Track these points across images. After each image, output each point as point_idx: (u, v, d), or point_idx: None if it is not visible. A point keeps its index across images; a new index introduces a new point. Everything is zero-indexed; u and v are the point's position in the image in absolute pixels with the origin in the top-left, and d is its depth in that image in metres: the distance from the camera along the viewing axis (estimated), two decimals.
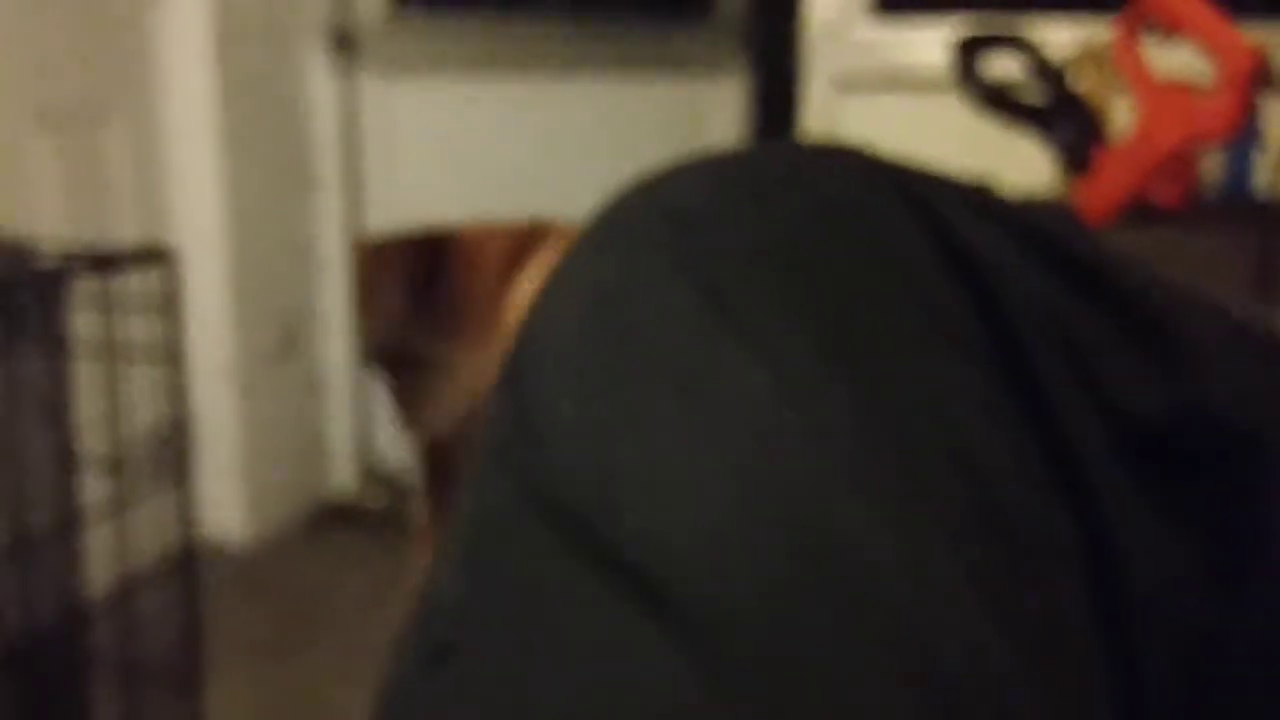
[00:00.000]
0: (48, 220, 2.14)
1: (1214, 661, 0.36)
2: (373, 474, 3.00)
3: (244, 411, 2.62)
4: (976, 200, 0.45)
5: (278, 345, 2.72)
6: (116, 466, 0.99)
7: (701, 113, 3.08)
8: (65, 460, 0.98)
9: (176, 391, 0.99)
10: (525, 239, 0.79)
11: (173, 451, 1.01)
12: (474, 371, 0.77)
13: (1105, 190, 1.78)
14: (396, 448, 3.03)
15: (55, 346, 0.96)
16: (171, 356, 0.99)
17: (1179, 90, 1.74)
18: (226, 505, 2.64)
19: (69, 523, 0.97)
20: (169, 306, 0.97)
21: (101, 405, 0.99)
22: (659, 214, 0.41)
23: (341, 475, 2.99)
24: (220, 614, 2.37)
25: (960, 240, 0.41)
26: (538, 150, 3.01)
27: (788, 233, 0.40)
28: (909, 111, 2.51)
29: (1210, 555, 0.37)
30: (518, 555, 0.34)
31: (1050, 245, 0.43)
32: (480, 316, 0.77)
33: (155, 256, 0.97)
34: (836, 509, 0.32)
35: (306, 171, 2.85)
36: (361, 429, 3.00)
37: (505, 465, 0.38)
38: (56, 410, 0.97)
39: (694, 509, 0.32)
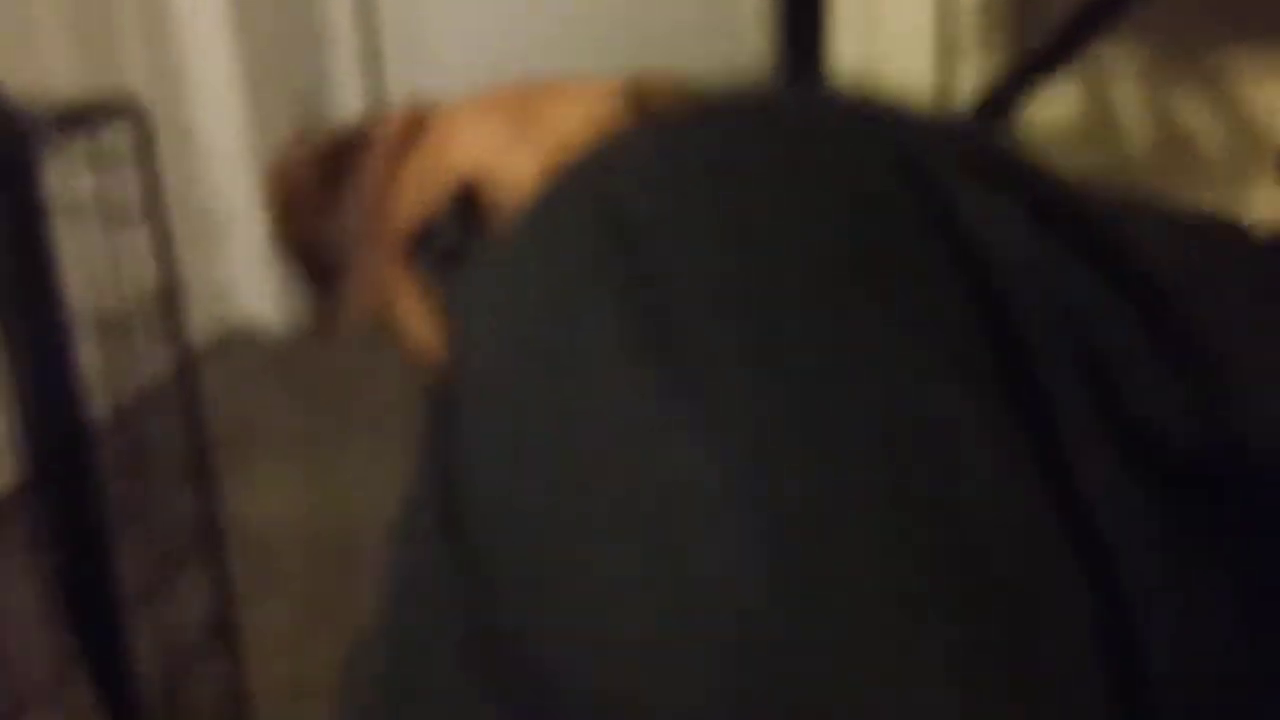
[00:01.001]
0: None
1: (1247, 707, 0.32)
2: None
3: None
4: (990, 163, 0.38)
5: (295, 122, 2.64)
6: (110, 330, 0.96)
7: None
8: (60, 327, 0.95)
9: (162, 249, 0.95)
10: (411, 124, 0.78)
11: (166, 310, 0.97)
12: (371, 260, 0.76)
13: None
14: None
15: (35, 211, 0.92)
16: (152, 213, 0.94)
17: None
18: (257, 290, 2.64)
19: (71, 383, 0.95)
20: (143, 160, 0.92)
21: (86, 268, 0.95)
22: (600, 218, 0.35)
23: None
24: (256, 401, 2.40)
25: (967, 227, 0.35)
26: None
27: (750, 247, 0.34)
28: None
29: (1243, 595, 0.33)
30: (438, 695, 0.31)
31: (1071, 222, 0.37)
32: (375, 204, 0.76)
33: (123, 110, 0.90)
34: (799, 637, 0.28)
35: None
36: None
37: (428, 547, 0.34)
38: (45, 275, 0.94)
39: (625, 645, 0.29)
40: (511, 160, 0.70)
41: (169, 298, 0.97)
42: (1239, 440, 0.34)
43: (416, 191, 0.74)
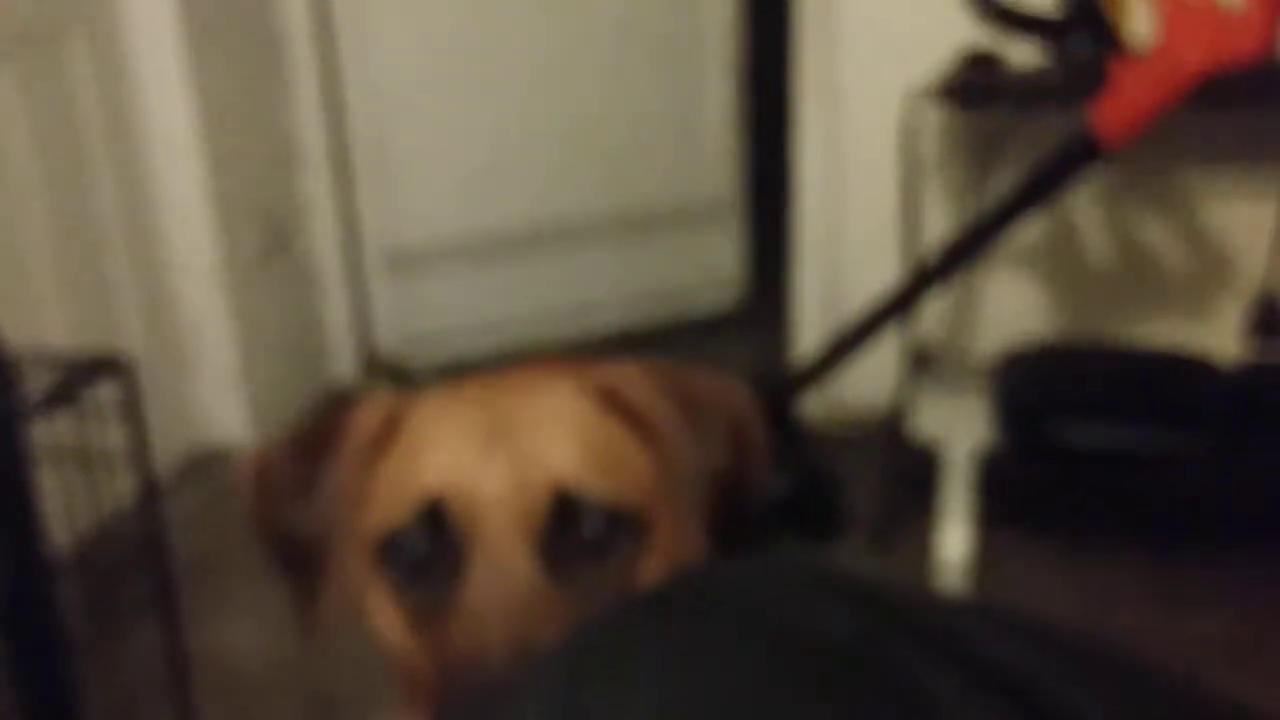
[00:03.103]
0: (15, 147, 2.08)
1: None
2: (373, 361, 3.01)
3: (237, 313, 2.61)
4: (997, 678, 0.42)
5: (266, 243, 2.68)
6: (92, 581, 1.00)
7: None
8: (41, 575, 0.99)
9: (147, 497, 0.99)
10: (386, 422, 0.79)
11: (151, 564, 1.01)
12: (345, 558, 0.78)
13: (1123, 111, 1.69)
14: (395, 333, 3.03)
15: (19, 459, 0.96)
16: (138, 463, 0.98)
17: (1204, 6, 1.63)
18: (229, 408, 2.67)
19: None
20: (130, 413, 0.96)
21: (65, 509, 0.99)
22: None
23: (342, 365, 3.00)
24: (232, 518, 2.42)
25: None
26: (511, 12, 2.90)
27: None
28: None
29: None
30: None
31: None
32: (348, 501, 0.78)
33: (109, 366, 0.95)
34: None
35: (279, 59, 2.74)
36: (359, 317, 3.00)
37: None
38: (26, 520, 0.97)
39: None
40: (481, 480, 0.73)
41: (154, 543, 1.01)
42: None
43: (387, 499, 0.76)
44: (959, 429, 2.10)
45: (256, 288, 2.66)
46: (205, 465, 2.64)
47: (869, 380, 2.57)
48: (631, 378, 0.80)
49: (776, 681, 0.41)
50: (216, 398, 2.65)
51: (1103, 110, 1.71)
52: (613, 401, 0.80)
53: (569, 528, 0.73)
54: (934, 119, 2.44)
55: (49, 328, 2.14)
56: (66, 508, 0.98)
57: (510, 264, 3.06)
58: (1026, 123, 2.11)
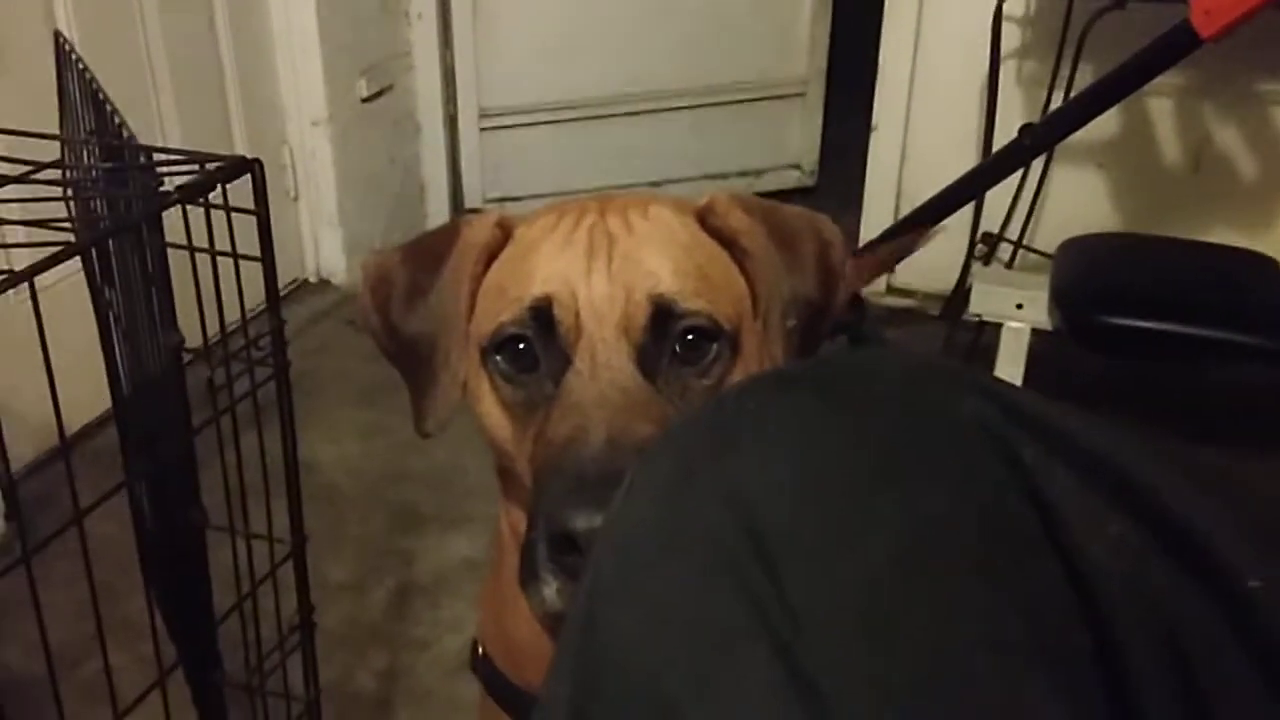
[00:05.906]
0: None
1: None
2: (464, 208, 3.02)
3: (339, 155, 2.61)
4: (1105, 473, 0.41)
5: (370, 91, 2.68)
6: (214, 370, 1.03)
7: None
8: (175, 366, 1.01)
9: (270, 283, 1.01)
10: (498, 230, 0.80)
11: (271, 353, 1.04)
12: (457, 355, 0.79)
13: (1223, 6, 1.62)
14: (481, 186, 3.03)
15: (156, 260, 0.98)
16: (263, 260, 1.00)
17: None
18: (326, 244, 2.70)
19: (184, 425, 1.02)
20: (258, 210, 0.98)
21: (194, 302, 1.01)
22: (738, 530, 0.40)
23: (436, 209, 3.01)
24: (328, 343, 2.47)
25: (1070, 536, 0.39)
26: None
27: (876, 573, 0.38)
28: None
29: None
30: None
31: (1175, 530, 0.40)
32: (461, 303, 0.79)
33: (246, 166, 0.96)
34: None
35: None
36: (453, 166, 3.00)
37: None
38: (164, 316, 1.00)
39: None
40: (587, 285, 0.73)
41: (276, 329, 1.04)
42: None
43: (497, 300, 0.77)
44: (1017, 310, 2.08)
45: (358, 132, 2.66)
46: (302, 296, 2.69)
47: (934, 261, 2.53)
48: (726, 204, 0.79)
49: (901, 457, 0.41)
50: (316, 233, 2.68)
51: (1204, 2, 1.64)
52: (708, 224, 0.79)
53: (665, 335, 0.73)
54: (1026, 6, 2.36)
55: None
56: (192, 301, 1.00)
57: (590, 129, 3.02)
58: (1115, 16, 2.03)
